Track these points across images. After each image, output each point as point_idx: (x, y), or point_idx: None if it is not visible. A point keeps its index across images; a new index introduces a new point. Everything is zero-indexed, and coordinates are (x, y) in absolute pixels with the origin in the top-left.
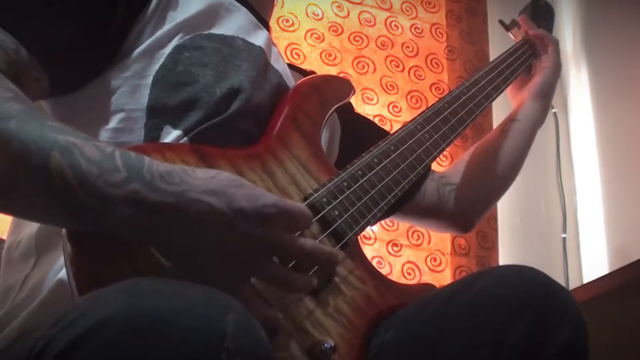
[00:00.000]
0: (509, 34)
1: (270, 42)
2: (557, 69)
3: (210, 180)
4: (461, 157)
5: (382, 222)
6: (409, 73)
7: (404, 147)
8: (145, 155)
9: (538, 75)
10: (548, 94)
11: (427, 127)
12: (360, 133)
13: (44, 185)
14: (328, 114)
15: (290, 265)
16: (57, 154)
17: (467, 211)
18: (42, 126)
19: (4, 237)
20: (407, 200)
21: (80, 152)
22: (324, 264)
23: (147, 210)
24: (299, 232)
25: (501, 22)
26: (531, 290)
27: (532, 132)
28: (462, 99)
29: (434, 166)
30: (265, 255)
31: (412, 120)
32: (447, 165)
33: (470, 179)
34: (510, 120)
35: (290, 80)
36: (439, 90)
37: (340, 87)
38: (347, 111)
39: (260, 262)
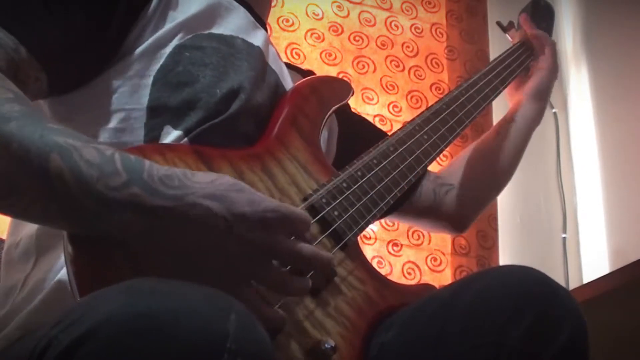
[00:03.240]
0: (507, 35)
1: (268, 42)
2: (553, 71)
3: (210, 184)
4: (457, 156)
5: (382, 221)
6: (409, 73)
7: (402, 148)
8: (145, 159)
9: (534, 77)
10: (544, 96)
11: (426, 128)
12: (358, 134)
13: (43, 188)
14: (327, 115)
15: (287, 268)
16: (56, 157)
17: (463, 212)
18: (43, 128)
19: (4, 237)
20: (405, 201)
21: (80, 154)
22: (321, 268)
23: (146, 214)
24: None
25: (499, 23)
26: (531, 290)
27: (528, 133)
28: (461, 100)
29: (432, 166)
30: (264, 259)
31: (411, 121)
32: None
33: (466, 180)
34: (506, 121)
35: (288, 80)
36: (439, 90)
37: (339, 87)
38: (344, 111)
39: (259, 266)
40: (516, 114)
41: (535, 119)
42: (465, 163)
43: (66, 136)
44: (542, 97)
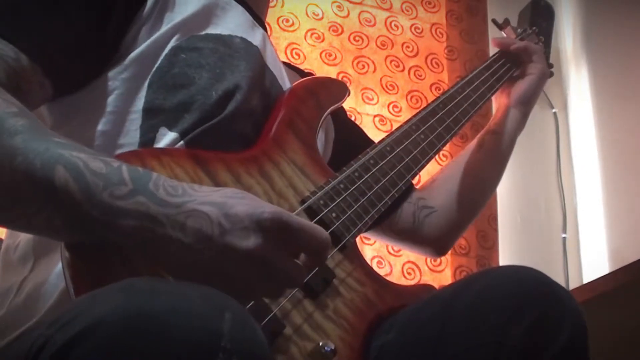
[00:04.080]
0: (502, 33)
1: (266, 42)
2: (542, 77)
3: (212, 193)
4: (440, 173)
5: None
6: (409, 73)
7: (400, 148)
8: (153, 172)
9: (523, 82)
10: (530, 101)
11: (423, 128)
12: (349, 140)
13: (48, 199)
14: (323, 116)
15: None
16: (61, 168)
17: (443, 236)
18: (48, 142)
19: (2, 237)
20: (385, 219)
21: (86, 165)
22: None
23: (149, 222)
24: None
25: (494, 21)
26: (531, 291)
27: (511, 143)
28: (457, 99)
29: (424, 172)
30: (259, 267)
31: (408, 120)
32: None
33: (449, 202)
34: (489, 133)
35: (285, 81)
36: (439, 90)
37: (335, 89)
38: (341, 116)
39: (254, 274)
40: (499, 124)
41: (519, 126)
42: (447, 183)
43: (72, 149)
44: (528, 102)
